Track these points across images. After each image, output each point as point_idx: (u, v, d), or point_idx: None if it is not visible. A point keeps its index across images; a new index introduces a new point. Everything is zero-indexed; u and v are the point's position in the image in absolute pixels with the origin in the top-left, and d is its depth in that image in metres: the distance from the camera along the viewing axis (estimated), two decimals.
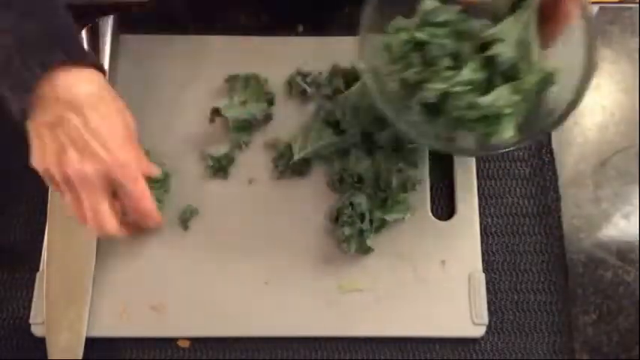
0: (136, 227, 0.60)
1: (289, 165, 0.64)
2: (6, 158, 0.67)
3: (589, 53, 0.56)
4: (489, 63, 0.56)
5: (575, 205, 0.65)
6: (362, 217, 0.61)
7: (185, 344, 0.60)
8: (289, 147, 0.64)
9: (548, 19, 0.56)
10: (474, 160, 0.65)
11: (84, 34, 0.68)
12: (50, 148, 0.53)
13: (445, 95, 0.55)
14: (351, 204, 0.61)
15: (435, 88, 0.55)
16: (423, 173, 0.64)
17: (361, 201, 0.61)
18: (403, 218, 0.62)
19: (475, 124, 0.56)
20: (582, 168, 0.67)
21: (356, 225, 0.60)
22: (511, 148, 0.58)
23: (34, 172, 0.64)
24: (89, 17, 0.68)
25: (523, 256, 0.63)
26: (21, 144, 0.68)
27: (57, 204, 0.62)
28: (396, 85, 0.58)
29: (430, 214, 0.63)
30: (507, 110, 0.55)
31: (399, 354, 0.60)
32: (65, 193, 0.55)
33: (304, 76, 0.67)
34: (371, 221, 0.61)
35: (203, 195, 0.64)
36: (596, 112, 0.69)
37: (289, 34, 0.71)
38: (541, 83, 0.56)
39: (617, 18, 0.72)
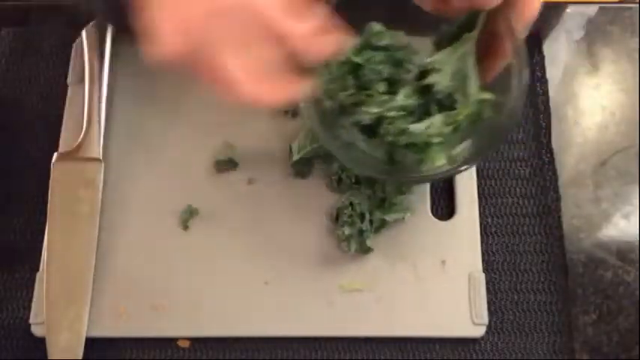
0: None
1: (289, 165, 0.64)
2: (6, 158, 0.67)
3: (518, 88, 0.55)
4: (426, 91, 0.56)
5: (575, 205, 0.65)
6: (362, 217, 0.61)
7: (185, 344, 0.60)
8: (289, 147, 0.64)
9: (487, 55, 0.56)
10: None
11: (84, 35, 0.68)
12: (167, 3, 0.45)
13: (380, 119, 0.55)
14: (351, 204, 0.61)
15: (368, 112, 0.55)
16: None
17: (361, 201, 0.61)
18: (403, 218, 0.61)
19: (406, 150, 0.56)
20: (582, 168, 0.67)
21: (356, 225, 0.60)
22: (441, 177, 0.58)
23: (33, 172, 0.64)
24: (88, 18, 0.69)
25: (523, 256, 0.63)
26: (21, 144, 0.68)
27: (57, 204, 0.62)
28: (333, 104, 0.58)
29: (430, 214, 0.63)
30: (436, 139, 0.55)
31: (399, 354, 0.60)
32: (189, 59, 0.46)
33: None
34: (371, 221, 0.61)
35: (203, 195, 0.64)
36: (596, 112, 0.69)
37: None
38: (473, 115, 0.56)
39: (617, 18, 0.72)
